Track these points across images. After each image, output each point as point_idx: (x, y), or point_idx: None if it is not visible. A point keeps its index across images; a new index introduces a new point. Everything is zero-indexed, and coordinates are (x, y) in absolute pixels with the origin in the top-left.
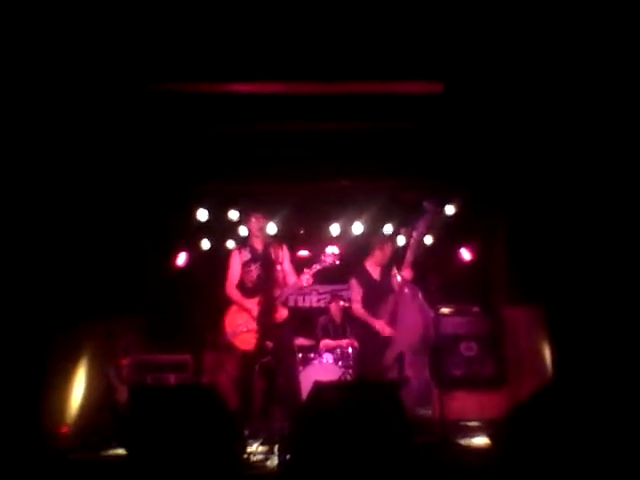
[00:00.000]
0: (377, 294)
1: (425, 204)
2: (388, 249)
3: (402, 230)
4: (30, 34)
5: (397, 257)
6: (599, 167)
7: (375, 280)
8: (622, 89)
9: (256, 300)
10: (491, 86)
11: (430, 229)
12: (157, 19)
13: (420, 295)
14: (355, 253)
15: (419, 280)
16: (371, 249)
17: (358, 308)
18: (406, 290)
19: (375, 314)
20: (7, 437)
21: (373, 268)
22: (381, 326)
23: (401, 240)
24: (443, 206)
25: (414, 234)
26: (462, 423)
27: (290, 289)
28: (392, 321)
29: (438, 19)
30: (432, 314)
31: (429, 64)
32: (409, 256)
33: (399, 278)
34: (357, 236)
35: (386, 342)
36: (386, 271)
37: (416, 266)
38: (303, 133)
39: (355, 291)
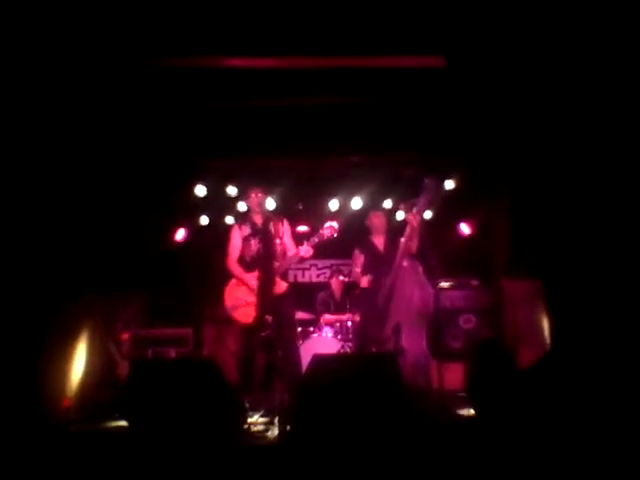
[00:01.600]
0: (380, 264)
1: (426, 180)
2: (377, 218)
3: (401, 205)
4: (25, 13)
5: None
6: (601, 142)
7: (379, 251)
8: (628, 58)
9: (256, 274)
10: (493, 59)
11: (430, 205)
12: None
13: (420, 269)
14: (354, 228)
15: (419, 254)
16: (367, 222)
17: (356, 272)
18: (405, 263)
19: (377, 284)
20: (7, 410)
21: (377, 239)
22: (362, 280)
23: (400, 215)
24: (443, 182)
25: (414, 210)
26: (461, 394)
27: (289, 261)
28: (391, 292)
29: None
30: (431, 289)
31: (430, 38)
32: (412, 231)
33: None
34: (356, 211)
35: (385, 314)
36: (391, 243)
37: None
38: (302, 108)
39: (356, 258)
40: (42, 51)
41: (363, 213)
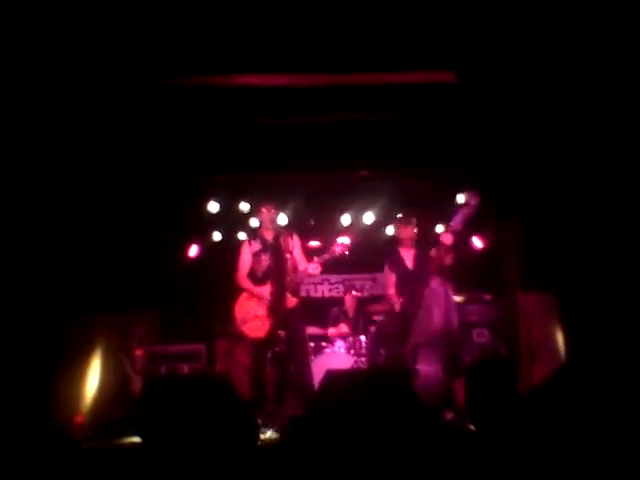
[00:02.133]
0: (411, 281)
1: (466, 196)
2: (406, 230)
3: (411, 219)
4: (36, 31)
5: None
6: (614, 156)
7: (407, 267)
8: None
9: (266, 288)
10: (504, 74)
11: (467, 222)
12: (163, 13)
13: (450, 291)
14: (367, 243)
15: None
16: (394, 233)
17: (391, 292)
18: (433, 284)
19: (408, 299)
20: (21, 426)
21: (406, 253)
22: (394, 299)
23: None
24: (450, 192)
25: (451, 225)
26: None
27: (298, 277)
28: (416, 312)
29: (448, 8)
30: (457, 313)
31: (440, 53)
32: (440, 249)
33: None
34: (368, 226)
35: (409, 330)
36: (420, 257)
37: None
38: (314, 125)
39: (387, 276)
40: (52, 70)
41: (375, 228)
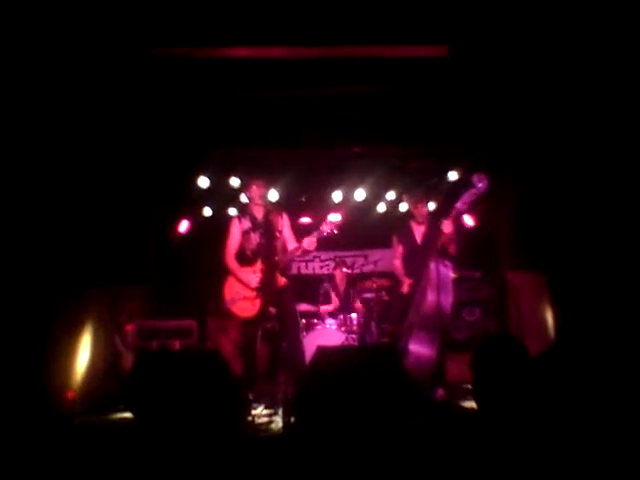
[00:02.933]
0: (417, 256)
1: (474, 178)
2: (422, 207)
3: (404, 197)
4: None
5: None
6: (605, 132)
7: (416, 241)
8: (628, 49)
9: (255, 268)
10: (497, 48)
11: (473, 205)
12: None
13: (450, 274)
14: (358, 220)
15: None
16: (408, 209)
17: (397, 264)
18: (431, 266)
19: (413, 275)
20: (13, 402)
21: (417, 228)
22: (405, 283)
23: (404, 206)
24: (441, 169)
25: (456, 206)
26: (464, 386)
27: (291, 254)
28: (414, 291)
29: None
30: (452, 297)
31: (434, 27)
32: (447, 226)
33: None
34: (359, 203)
35: (406, 309)
36: (429, 236)
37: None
38: (306, 99)
39: (395, 249)
40: (46, 43)
41: (366, 204)
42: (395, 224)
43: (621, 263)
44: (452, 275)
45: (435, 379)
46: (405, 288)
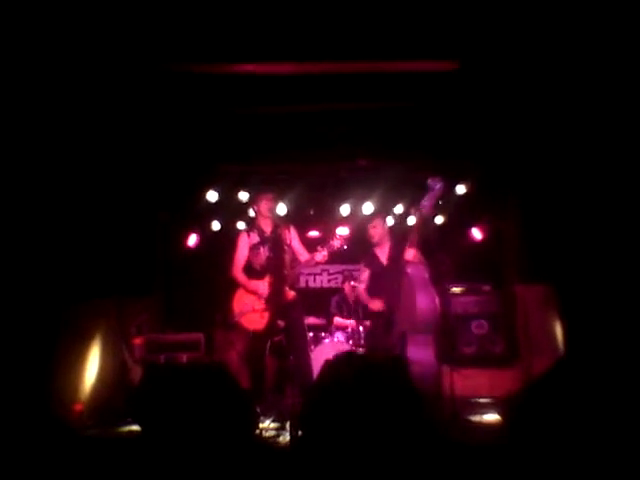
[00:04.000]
0: (384, 277)
1: (429, 181)
2: (377, 226)
3: (412, 210)
4: (48, 17)
5: (406, 236)
6: (614, 147)
7: (381, 263)
8: None
9: (264, 281)
10: (506, 64)
11: (435, 208)
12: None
13: (426, 275)
14: (364, 236)
15: (429, 259)
16: (366, 231)
17: (360, 289)
18: (409, 270)
19: (380, 295)
20: (20, 415)
21: (380, 250)
22: (373, 303)
23: (412, 220)
24: (449, 183)
25: (418, 213)
26: (473, 400)
27: (303, 266)
28: (397, 301)
29: None
30: (435, 295)
31: (444, 42)
32: (413, 235)
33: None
34: (368, 216)
35: (392, 321)
36: (395, 252)
37: (424, 245)
38: (315, 114)
39: (362, 273)
40: (62, 53)
41: (375, 218)
42: (361, 249)
43: (629, 276)
44: (427, 275)
45: (439, 388)
46: (375, 306)
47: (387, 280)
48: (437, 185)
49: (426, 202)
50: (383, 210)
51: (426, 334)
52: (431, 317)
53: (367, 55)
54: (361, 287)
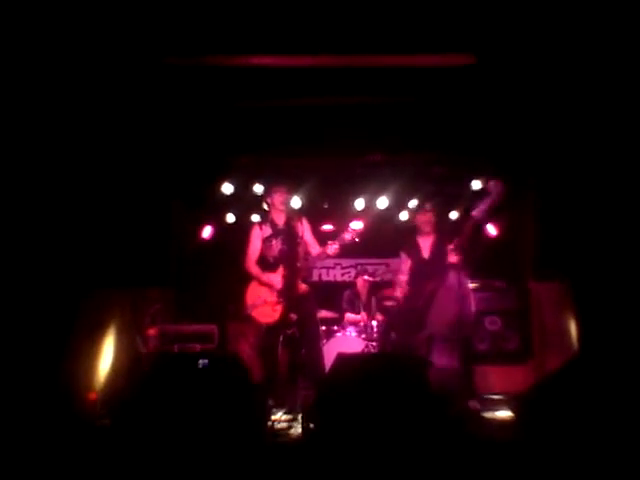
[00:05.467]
0: (425, 271)
1: (490, 184)
2: (423, 217)
3: (427, 205)
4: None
5: (452, 233)
6: (631, 142)
7: (423, 256)
8: None
9: (277, 274)
10: (524, 58)
11: (491, 212)
12: None
13: (467, 283)
14: (380, 228)
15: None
16: (411, 221)
17: (402, 279)
18: (451, 276)
19: (418, 289)
20: (35, 403)
21: (423, 241)
22: (403, 285)
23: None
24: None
25: (473, 215)
26: (486, 396)
27: (315, 259)
28: (430, 300)
29: None
30: (474, 307)
31: (460, 36)
32: (462, 239)
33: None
34: (382, 211)
35: (421, 320)
36: (438, 247)
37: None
38: (331, 107)
39: (403, 263)
40: (67, 50)
41: (389, 212)
42: (403, 239)
43: None
44: (471, 284)
45: (465, 390)
46: (402, 294)
47: (428, 274)
48: (496, 189)
49: (482, 206)
50: (400, 204)
51: (453, 343)
52: (466, 328)
53: (383, 48)
54: (402, 277)
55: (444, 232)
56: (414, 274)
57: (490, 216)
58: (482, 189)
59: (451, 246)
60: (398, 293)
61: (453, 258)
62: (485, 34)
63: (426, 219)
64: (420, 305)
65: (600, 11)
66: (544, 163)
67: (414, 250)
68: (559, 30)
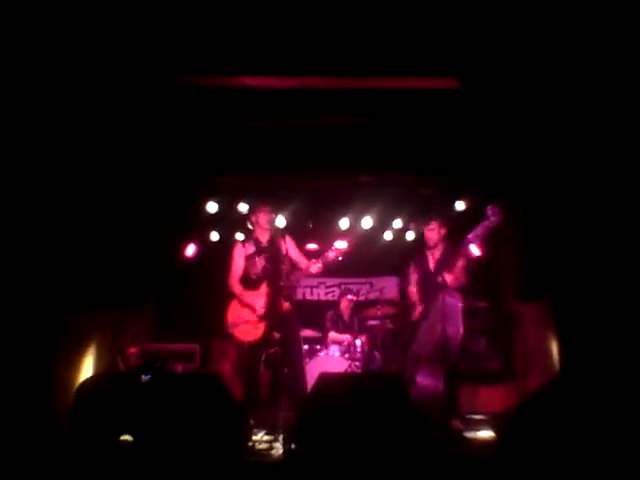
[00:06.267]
0: (430, 284)
1: (489, 210)
2: (434, 229)
3: (411, 226)
4: (52, 25)
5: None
6: (616, 168)
7: (429, 269)
8: None
9: (260, 292)
10: (508, 81)
11: (484, 237)
12: (174, 12)
13: (460, 307)
14: (364, 248)
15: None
16: (419, 237)
17: (413, 291)
18: (447, 296)
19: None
20: (18, 421)
21: (432, 254)
22: (414, 298)
23: (410, 235)
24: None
25: (469, 238)
26: (468, 416)
27: (299, 276)
28: (421, 321)
29: (455, 14)
30: (462, 331)
31: (446, 60)
32: (461, 262)
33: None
34: (366, 231)
35: (410, 340)
36: (443, 263)
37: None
38: (317, 128)
39: (411, 274)
40: (66, 65)
41: (373, 232)
42: (410, 252)
43: (627, 297)
44: (460, 306)
45: (448, 410)
46: (416, 315)
47: (432, 288)
48: (494, 217)
49: (478, 230)
50: (383, 224)
51: (439, 365)
52: (452, 352)
53: (368, 71)
54: (412, 289)
55: (452, 246)
56: (422, 285)
57: (485, 240)
58: (476, 212)
59: (454, 267)
60: (414, 305)
61: (449, 278)
62: (471, 58)
63: (432, 234)
64: (411, 322)
65: (584, 36)
66: (528, 185)
67: (422, 262)
68: (543, 55)
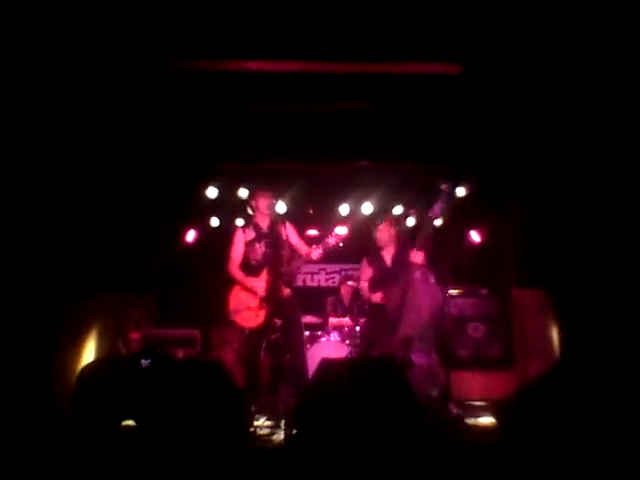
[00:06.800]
0: (388, 277)
1: (442, 186)
2: (381, 232)
3: (411, 212)
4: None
5: (412, 239)
6: (617, 152)
7: (386, 265)
8: None
9: (261, 278)
10: (510, 68)
11: (444, 212)
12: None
13: (432, 279)
14: (365, 233)
15: (430, 262)
16: (372, 233)
17: (363, 284)
18: (417, 274)
19: (385, 296)
20: (19, 408)
21: (386, 252)
22: (375, 297)
23: (411, 221)
24: (456, 188)
25: (429, 216)
26: (468, 402)
27: (300, 262)
28: (402, 303)
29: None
30: (440, 294)
31: (448, 45)
32: (422, 239)
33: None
34: (367, 216)
35: (396, 324)
36: (400, 255)
37: (428, 248)
38: (315, 114)
39: (363, 270)
40: (65, 50)
41: (374, 218)
42: (365, 246)
43: (627, 282)
44: (430, 274)
45: (444, 391)
46: (375, 299)
47: (391, 281)
48: (448, 190)
49: (436, 206)
50: (384, 211)
51: (431, 339)
52: (435, 317)
53: (370, 56)
54: (364, 284)
55: (404, 241)
56: (378, 279)
57: (443, 215)
58: (438, 190)
59: (415, 247)
60: (374, 299)
61: (417, 258)
62: (473, 44)
63: (381, 235)
64: (392, 309)
65: (586, 24)
66: (528, 172)
67: (377, 260)
68: (546, 41)
